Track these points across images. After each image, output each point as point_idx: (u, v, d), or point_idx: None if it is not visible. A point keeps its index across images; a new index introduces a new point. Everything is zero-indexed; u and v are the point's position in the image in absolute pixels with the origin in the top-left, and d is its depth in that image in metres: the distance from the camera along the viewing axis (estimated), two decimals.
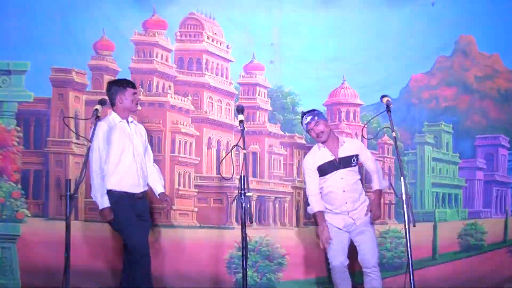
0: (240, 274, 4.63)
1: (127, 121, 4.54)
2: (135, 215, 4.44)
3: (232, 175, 4.58)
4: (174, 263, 5.63)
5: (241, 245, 4.06)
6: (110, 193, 4.34)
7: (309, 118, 4.56)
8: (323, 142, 4.57)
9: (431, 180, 6.05)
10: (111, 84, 4.65)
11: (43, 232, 5.58)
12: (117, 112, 4.51)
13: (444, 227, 5.91)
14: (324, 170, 4.56)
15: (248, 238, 4.49)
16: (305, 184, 4.68)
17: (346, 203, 4.54)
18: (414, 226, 3.84)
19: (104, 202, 4.33)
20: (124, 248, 4.44)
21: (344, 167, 4.54)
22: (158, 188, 4.68)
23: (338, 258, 4.53)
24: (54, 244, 5.30)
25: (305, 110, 4.72)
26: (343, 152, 4.56)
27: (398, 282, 4.92)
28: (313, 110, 4.66)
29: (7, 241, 5.62)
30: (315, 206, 4.53)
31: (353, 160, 4.55)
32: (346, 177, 4.53)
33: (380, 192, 4.64)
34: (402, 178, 3.92)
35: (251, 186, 4.45)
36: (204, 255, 5.67)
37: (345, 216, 4.54)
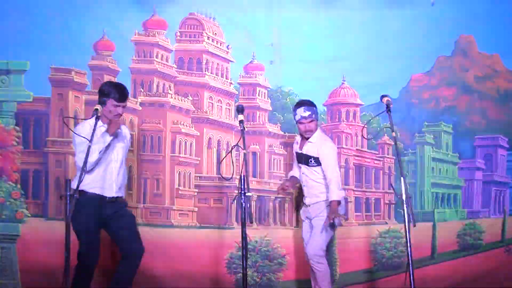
0: (240, 274, 4.65)
1: None
2: (96, 222, 4.33)
3: (232, 175, 4.59)
4: (174, 263, 5.63)
5: (241, 245, 4.06)
6: (81, 193, 4.13)
7: (307, 113, 4.63)
8: (306, 138, 4.72)
9: (430, 180, 6.05)
10: (104, 86, 4.48)
11: (43, 232, 5.57)
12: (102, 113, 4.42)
13: (443, 227, 5.92)
14: (296, 158, 4.84)
15: (248, 238, 4.51)
16: None
17: (306, 196, 4.76)
18: (414, 226, 3.85)
19: None
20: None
21: (304, 164, 4.71)
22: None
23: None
24: (54, 244, 5.30)
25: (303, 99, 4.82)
26: (305, 149, 4.70)
27: (398, 281, 4.93)
28: (312, 105, 4.71)
29: (7, 241, 5.61)
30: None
31: (311, 161, 4.65)
32: (306, 172, 4.72)
33: (333, 203, 4.46)
34: (402, 178, 3.93)
35: (251, 186, 4.45)
36: (204, 255, 5.67)
37: (306, 208, 4.78)
